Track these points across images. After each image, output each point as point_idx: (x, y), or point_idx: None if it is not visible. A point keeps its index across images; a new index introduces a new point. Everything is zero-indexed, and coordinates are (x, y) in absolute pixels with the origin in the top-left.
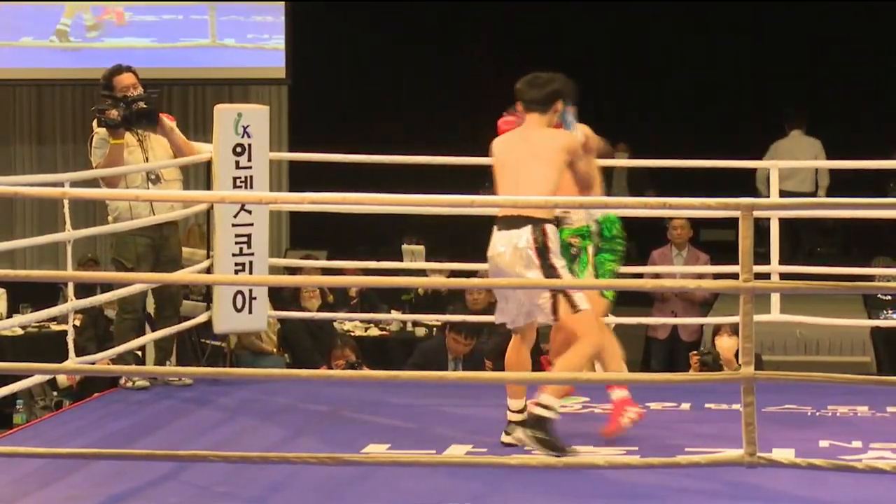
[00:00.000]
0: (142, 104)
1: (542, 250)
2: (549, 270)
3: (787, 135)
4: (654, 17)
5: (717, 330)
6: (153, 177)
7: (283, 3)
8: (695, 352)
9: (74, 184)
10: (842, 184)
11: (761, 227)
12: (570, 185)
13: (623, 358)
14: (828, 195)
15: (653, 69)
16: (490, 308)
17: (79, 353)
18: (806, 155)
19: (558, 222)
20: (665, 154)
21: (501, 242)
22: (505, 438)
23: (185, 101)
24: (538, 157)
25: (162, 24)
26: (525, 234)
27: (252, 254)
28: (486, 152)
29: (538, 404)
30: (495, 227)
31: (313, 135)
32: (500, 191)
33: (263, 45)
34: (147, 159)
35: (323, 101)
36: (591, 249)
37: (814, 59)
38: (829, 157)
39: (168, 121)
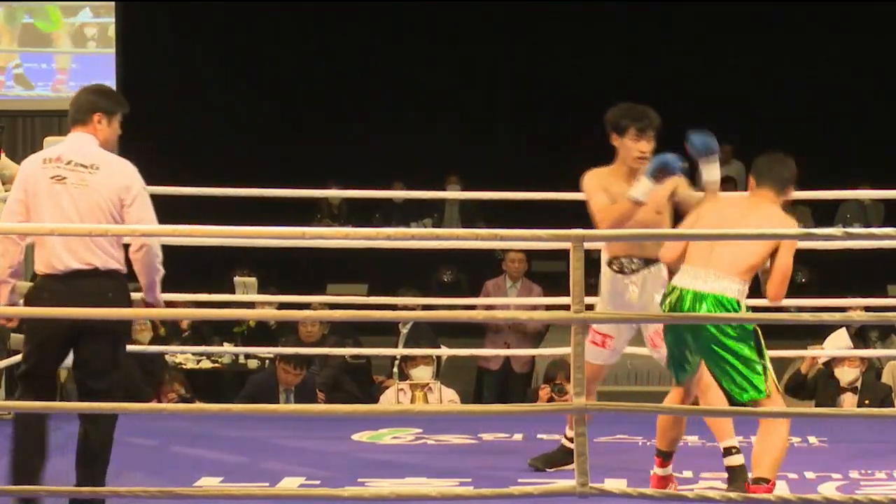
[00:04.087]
0: None
1: None
2: None
3: None
4: (485, 51)
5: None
6: None
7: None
8: (545, 385)
9: None
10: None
11: (592, 258)
12: None
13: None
14: None
15: (485, 101)
16: (323, 340)
17: None
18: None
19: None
20: (498, 186)
21: None
22: None
23: (14, 131)
24: None
25: None
26: None
27: None
28: (316, 184)
29: None
30: None
31: (142, 166)
32: None
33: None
34: None
35: (150, 132)
36: None
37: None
38: None
39: None
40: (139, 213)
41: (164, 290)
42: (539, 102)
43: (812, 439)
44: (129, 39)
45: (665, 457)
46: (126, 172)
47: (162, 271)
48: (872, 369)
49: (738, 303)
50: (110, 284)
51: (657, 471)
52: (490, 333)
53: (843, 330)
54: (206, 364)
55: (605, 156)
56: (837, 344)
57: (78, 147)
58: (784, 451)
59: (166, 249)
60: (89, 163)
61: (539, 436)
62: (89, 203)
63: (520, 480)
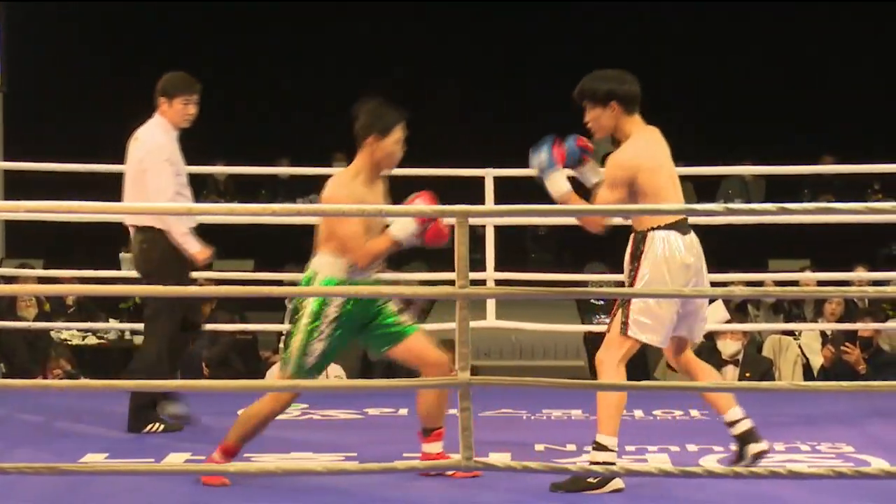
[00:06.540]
0: None
1: None
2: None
3: None
4: (369, 27)
5: None
6: None
7: None
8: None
9: None
10: None
11: (477, 234)
12: None
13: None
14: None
15: (370, 77)
16: (213, 316)
17: None
18: None
19: None
20: None
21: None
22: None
23: None
24: None
25: None
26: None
27: None
28: (202, 161)
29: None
30: (676, 231)
31: (28, 143)
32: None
33: None
34: None
35: (38, 109)
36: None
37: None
38: None
39: None
40: (150, 179)
41: (49, 266)
42: (425, 78)
43: (694, 412)
44: (12, 28)
45: (426, 433)
46: (144, 146)
47: (178, 228)
48: (754, 343)
49: (317, 277)
50: (143, 237)
51: (424, 447)
52: None
53: (720, 301)
54: (91, 340)
55: (483, 131)
56: (714, 315)
57: (144, 125)
58: None
59: (52, 226)
60: (136, 136)
61: None
62: (130, 168)
63: (405, 455)
